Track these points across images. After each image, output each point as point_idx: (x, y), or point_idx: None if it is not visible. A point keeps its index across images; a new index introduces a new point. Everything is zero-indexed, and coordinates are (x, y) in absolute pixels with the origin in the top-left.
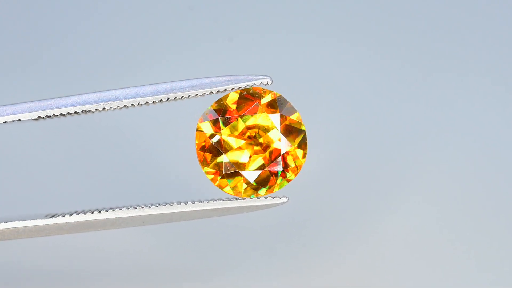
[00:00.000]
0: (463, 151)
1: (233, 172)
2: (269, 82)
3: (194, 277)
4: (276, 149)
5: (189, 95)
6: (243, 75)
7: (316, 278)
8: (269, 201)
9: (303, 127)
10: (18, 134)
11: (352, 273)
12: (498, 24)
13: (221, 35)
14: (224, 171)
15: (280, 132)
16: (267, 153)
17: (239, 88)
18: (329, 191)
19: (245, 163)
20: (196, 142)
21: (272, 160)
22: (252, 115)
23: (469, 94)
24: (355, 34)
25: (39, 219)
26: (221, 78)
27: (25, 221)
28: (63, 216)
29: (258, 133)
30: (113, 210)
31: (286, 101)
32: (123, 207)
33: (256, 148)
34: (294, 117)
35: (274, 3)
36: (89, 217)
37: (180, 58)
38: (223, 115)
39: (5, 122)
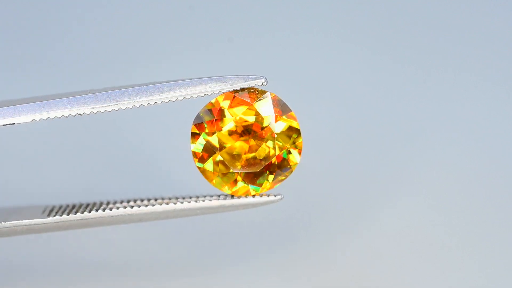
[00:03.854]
0: (461, 149)
1: (228, 172)
2: (264, 83)
3: (188, 273)
4: (270, 147)
5: (183, 97)
6: (238, 75)
7: (313, 276)
8: (264, 199)
9: (297, 126)
10: (18, 131)
11: (351, 271)
12: (500, 23)
13: (221, 35)
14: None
15: (275, 130)
16: (261, 151)
17: (233, 89)
18: (327, 189)
19: (239, 161)
20: (191, 143)
21: (266, 158)
22: (242, 107)
23: (469, 93)
24: (351, 34)
25: (37, 218)
26: (215, 78)
27: (23, 220)
28: (61, 215)
29: (251, 128)
30: (110, 210)
31: (281, 101)
32: (120, 206)
33: (251, 143)
34: (289, 115)
35: (274, 3)
36: (86, 216)
37: (180, 58)
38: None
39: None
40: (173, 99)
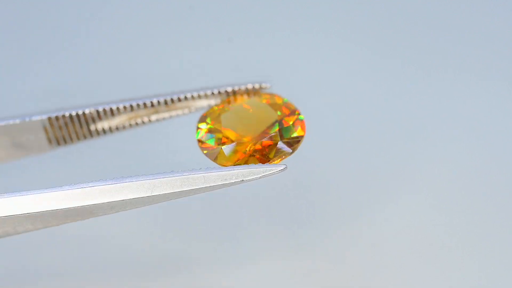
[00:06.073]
0: (462, 147)
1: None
2: (268, 86)
3: (186, 266)
4: (273, 121)
5: (192, 96)
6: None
7: (313, 274)
8: (267, 167)
9: (295, 107)
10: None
11: (351, 270)
12: (500, 23)
13: (221, 35)
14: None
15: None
16: (264, 126)
17: (238, 89)
18: (327, 188)
19: (242, 135)
20: (197, 137)
21: (270, 131)
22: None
23: (470, 91)
24: (351, 34)
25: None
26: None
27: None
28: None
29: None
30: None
31: (285, 100)
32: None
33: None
34: (284, 100)
35: (274, 3)
36: (92, 187)
37: (180, 58)
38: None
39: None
40: (178, 99)
